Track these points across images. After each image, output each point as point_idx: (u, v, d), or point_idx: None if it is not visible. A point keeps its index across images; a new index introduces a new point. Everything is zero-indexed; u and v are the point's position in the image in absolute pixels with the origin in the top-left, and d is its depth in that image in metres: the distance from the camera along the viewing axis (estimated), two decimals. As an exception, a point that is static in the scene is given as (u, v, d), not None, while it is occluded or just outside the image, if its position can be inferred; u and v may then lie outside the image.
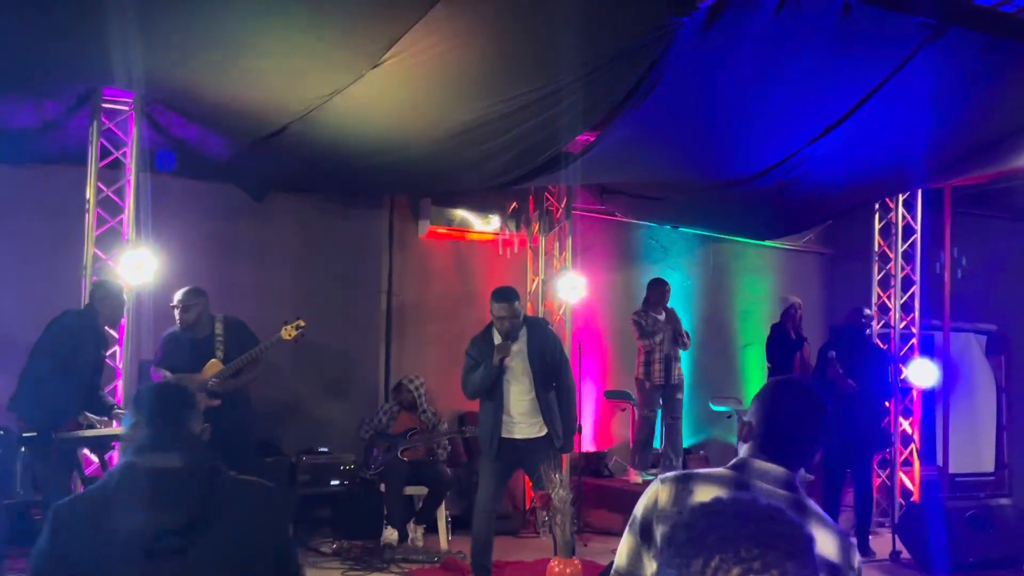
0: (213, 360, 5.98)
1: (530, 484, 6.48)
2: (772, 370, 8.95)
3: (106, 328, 5.93)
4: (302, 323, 6.17)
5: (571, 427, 5.81)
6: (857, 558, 2.06)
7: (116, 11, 4.67)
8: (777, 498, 2.03)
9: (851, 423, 7.36)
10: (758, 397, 2.24)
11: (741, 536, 1.36)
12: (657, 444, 8.28)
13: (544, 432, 5.62)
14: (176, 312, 6.08)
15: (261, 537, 2.11)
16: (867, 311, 8.08)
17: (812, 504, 2.09)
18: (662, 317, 8.07)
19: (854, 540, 2.14)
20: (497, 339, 5.65)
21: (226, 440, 5.97)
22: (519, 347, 5.63)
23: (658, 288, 8.21)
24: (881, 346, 8.63)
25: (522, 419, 5.62)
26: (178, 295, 6.10)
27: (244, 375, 6.04)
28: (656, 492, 2.08)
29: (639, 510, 2.10)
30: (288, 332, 6.14)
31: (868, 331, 8.11)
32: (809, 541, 1.93)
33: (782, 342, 8.73)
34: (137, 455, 2.14)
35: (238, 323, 6.21)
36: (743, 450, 2.18)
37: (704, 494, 2.02)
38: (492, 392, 5.63)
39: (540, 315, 8.46)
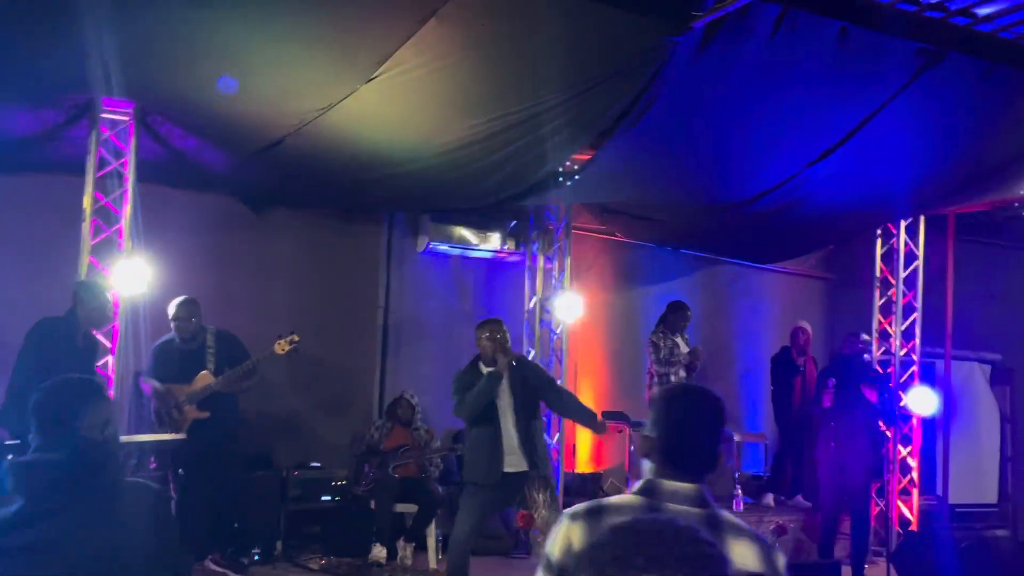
0: (204, 372, 5.98)
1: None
2: (774, 393, 8.89)
3: (95, 334, 5.89)
4: (296, 338, 6.17)
5: (592, 416, 5.78)
6: (782, 561, 2.01)
7: (115, 23, 4.70)
8: (692, 517, 1.97)
9: (849, 450, 7.30)
10: (653, 409, 2.16)
11: (671, 557, 1.32)
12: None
13: (525, 468, 5.60)
14: (175, 324, 6.08)
15: (129, 534, 2.16)
16: (864, 336, 8.02)
17: (726, 516, 2.05)
18: (680, 343, 7.90)
19: (776, 544, 2.08)
20: (485, 370, 5.61)
21: (215, 451, 6.00)
22: (503, 384, 5.59)
23: (679, 312, 8.00)
24: (880, 371, 8.56)
25: (511, 452, 5.58)
26: (176, 307, 6.12)
27: (238, 384, 6.04)
28: (567, 532, 2.00)
29: (554, 551, 2.01)
30: (281, 347, 6.13)
31: (866, 356, 8.03)
32: (724, 564, 1.89)
33: (784, 366, 8.70)
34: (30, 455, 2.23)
35: (229, 336, 6.22)
36: (647, 469, 2.11)
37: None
38: (488, 421, 5.56)
39: (536, 334, 8.45)
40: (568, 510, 2.04)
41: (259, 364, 6.08)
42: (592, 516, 1.98)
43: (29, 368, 5.36)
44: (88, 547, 2.10)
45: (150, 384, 6.09)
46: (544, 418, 6.16)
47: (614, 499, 2.05)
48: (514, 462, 5.57)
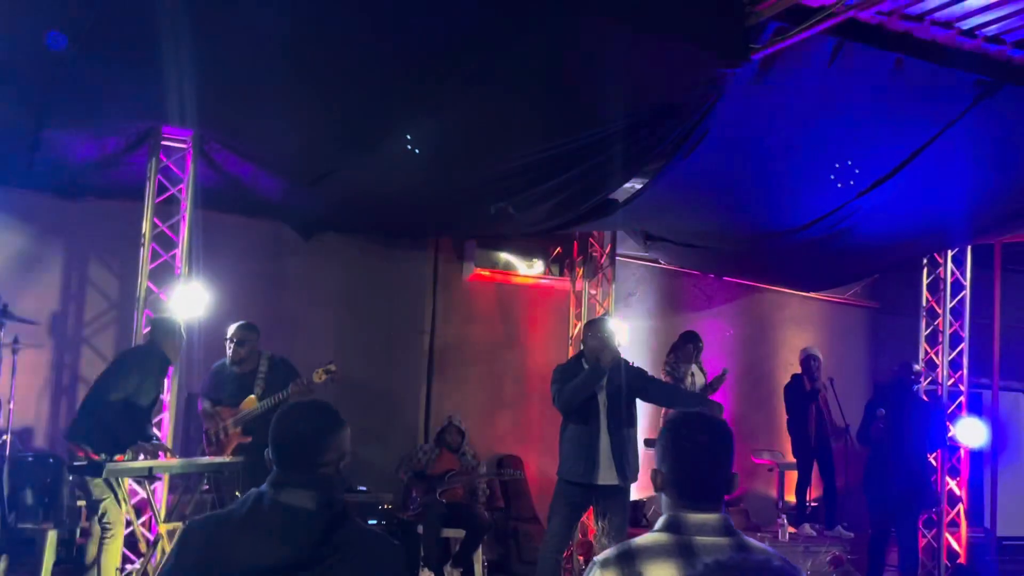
0: (250, 396, 6.06)
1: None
2: (789, 421, 8.80)
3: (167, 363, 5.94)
4: (333, 367, 6.15)
5: (699, 397, 5.80)
6: None
7: (177, 52, 4.82)
8: (725, 547, 1.98)
9: (897, 481, 7.24)
10: (661, 442, 2.14)
11: None
12: None
13: (616, 482, 5.53)
14: (230, 346, 6.18)
15: None
16: (916, 366, 7.96)
17: (753, 543, 2.05)
18: (692, 372, 7.86)
19: (796, 569, 2.11)
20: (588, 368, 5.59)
21: (260, 476, 6.00)
22: (602, 390, 5.56)
23: (690, 342, 7.98)
24: (927, 400, 8.48)
25: (604, 460, 5.52)
26: (232, 329, 6.22)
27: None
28: None
29: None
30: (319, 375, 6.10)
31: (916, 387, 7.97)
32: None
33: (798, 393, 8.64)
34: (272, 487, 2.09)
35: (283, 362, 6.29)
36: (664, 504, 2.10)
37: (655, 572, 1.94)
38: (586, 419, 5.51)
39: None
40: (598, 558, 2.03)
41: (298, 393, 5.95)
42: (624, 561, 1.97)
43: (111, 389, 5.45)
44: None
45: (202, 404, 6.21)
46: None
47: (640, 540, 2.02)
48: (605, 472, 5.50)
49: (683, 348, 8.02)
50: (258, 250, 7.73)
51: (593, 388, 5.50)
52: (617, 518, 5.18)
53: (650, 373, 6.05)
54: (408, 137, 5.59)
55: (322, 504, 2.04)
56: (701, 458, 2.08)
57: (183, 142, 6.46)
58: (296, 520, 2.02)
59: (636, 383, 5.67)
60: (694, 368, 7.95)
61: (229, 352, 6.20)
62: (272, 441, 2.16)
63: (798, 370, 8.87)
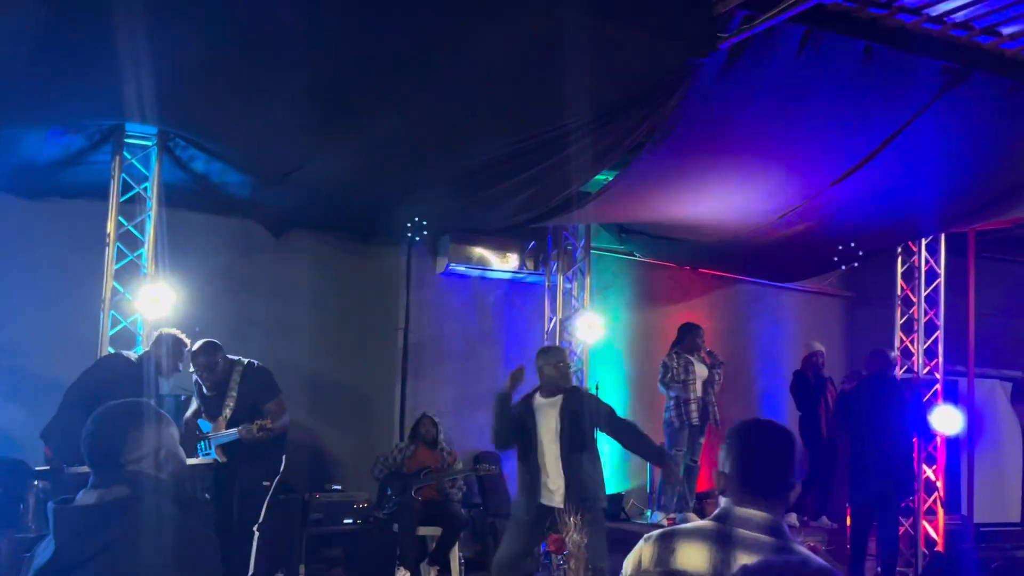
0: (221, 418, 5.79)
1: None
2: (802, 417, 8.81)
3: (157, 376, 5.69)
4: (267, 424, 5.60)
5: (658, 450, 5.64)
6: None
7: (136, 49, 4.74)
8: (765, 545, 2.07)
9: (878, 470, 7.26)
10: (726, 445, 2.26)
11: None
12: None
13: (567, 502, 5.29)
14: (200, 374, 5.77)
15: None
16: (892, 353, 7.97)
17: (796, 546, 2.11)
18: (695, 363, 7.81)
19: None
20: (540, 401, 5.47)
21: (239, 497, 5.78)
22: (552, 413, 5.43)
23: (692, 333, 7.93)
24: (904, 388, 8.49)
25: (551, 485, 5.40)
26: (199, 355, 5.75)
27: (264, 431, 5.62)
28: (640, 551, 2.18)
29: (627, 568, 2.19)
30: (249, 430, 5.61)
31: (892, 374, 7.97)
32: None
33: (805, 388, 8.65)
34: (84, 491, 2.10)
35: (256, 375, 5.87)
36: (723, 501, 2.22)
37: (688, 551, 2.09)
38: (525, 452, 5.43)
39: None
40: (648, 534, 2.21)
41: (244, 437, 5.59)
42: (663, 540, 2.16)
43: (82, 393, 5.33)
44: None
45: (189, 411, 6.07)
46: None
47: (687, 525, 2.20)
48: (552, 495, 5.37)
49: (685, 340, 7.98)
50: (227, 248, 7.63)
51: (506, 418, 5.35)
52: (569, 516, 5.11)
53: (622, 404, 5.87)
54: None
55: (110, 499, 2.05)
56: (760, 457, 2.20)
57: (147, 140, 6.37)
58: (73, 518, 2.04)
59: (599, 416, 5.49)
60: (694, 358, 7.89)
61: (198, 378, 5.82)
62: (82, 443, 2.17)
63: (797, 366, 8.89)
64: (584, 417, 5.43)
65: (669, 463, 5.61)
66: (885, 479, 7.24)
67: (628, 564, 2.18)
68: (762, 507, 2.12)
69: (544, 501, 5.36)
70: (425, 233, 7.21)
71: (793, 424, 9.00)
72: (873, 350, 7.90)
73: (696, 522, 2.20)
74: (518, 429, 5.44)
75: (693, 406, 7.75)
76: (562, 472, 5.35)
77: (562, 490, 5.33)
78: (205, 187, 6.93)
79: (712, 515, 2.19)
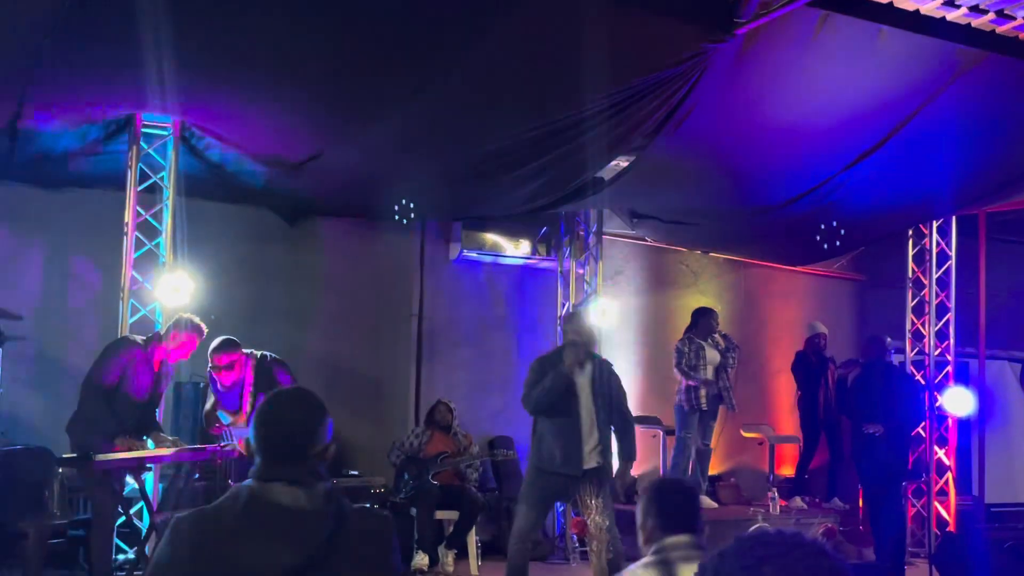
0: (242, 415, 5.85)
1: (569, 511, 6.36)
2: (801, 397, 8.88)
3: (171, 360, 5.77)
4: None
5: (631, 455, 5.76)
6: None
7: (155, 39, 4.76)
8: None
9: (882, 453, 7.31)
10: (644, 505, 2.86)
11: (801, 566, 1.31)
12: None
13: (598, 463, 5.54)
14: (218, 373, 5.80)
15: (374, 568, 2.03)
16: (888, 339, 7.98)
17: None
18: (707, 348, 7.80)
19: None
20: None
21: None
22: (585, 379, 5.55)
23: (706, 317, 7.94)
24: (910, 372, 8.52)
25: (590, 445, 5.52)
26: (216, 351, 5.78)
27: None
28: None
29: None
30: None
31: (890, 359, 7.97)
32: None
33: (806, 369, 8.71)
34: (258, 481, 2.00)
35: (268, 366, 5.93)
36: (654, 548, 2.77)
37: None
38: (566, 412, 5.51)
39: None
40: (633, 568, 2.75)
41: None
42: (663, 568, 2.73)
43: (94, 383, 5.38)
44: None
45: (209, 401, 6.09)
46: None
47: (676, 548, 2.74)
48: (582, 460, 5.50)
49: (699, 325, 7.98)
50: (242, 237, 7.68)
51: (558, 392, 5.47)
52: (590, 498, 5.21)
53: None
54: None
55: (320, 500, 1.98)
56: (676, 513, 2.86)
57: (164, 129, 6.40)
58: (301, 521, 1.95)
59: (617, 392, 5.67)
60: (708, 343, 7.88)
61: (216, 376, 5.85)
62: (257, 432, 2.06)
63: (799, 346, 8.94)
64: (610, 387, 5.62)
65: (628, 465, 5.75)
66: (891, 462, 7.30)
67: None
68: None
69: (585, 462, 5.48)
70: (412, 216, 7.15)
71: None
72: (870, 336, 7.95)
73: (677, 542, 2.71)
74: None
75: (703, 391, 7.76)
76: (596, 433, 5.50)
77: (595, 452, 5.48)
78: (220, 176, 6.96)
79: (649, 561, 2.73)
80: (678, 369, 7.86)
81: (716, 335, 7.94)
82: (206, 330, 5.79)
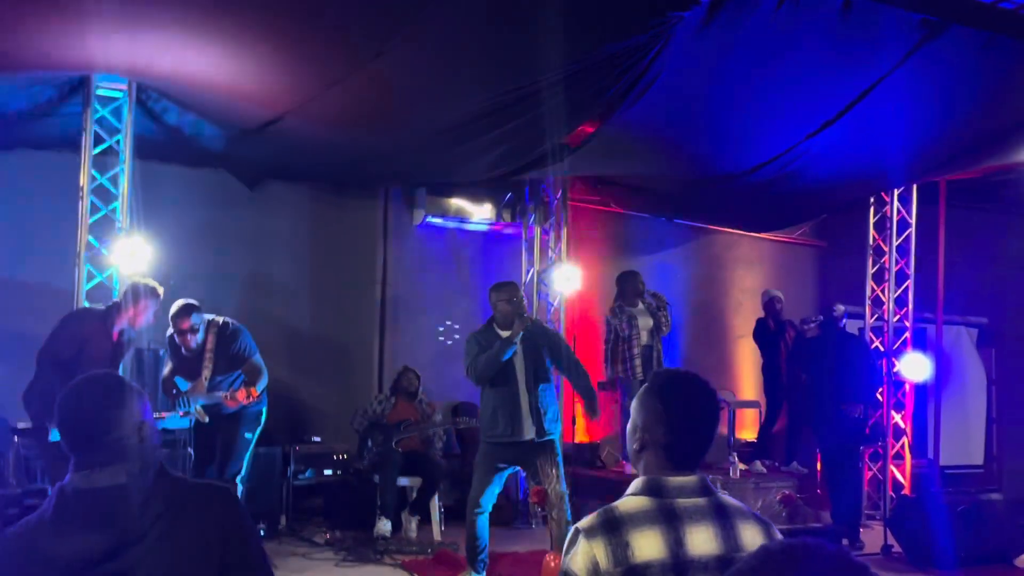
0: (201, 380, 5.80)
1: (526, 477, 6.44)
2: (764, 363, 8.99)
3: (130, 327, 5.68)
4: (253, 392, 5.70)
5: (593, 397, 5.81)
6: (779, 536, 2.03)
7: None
8: (701, 508, 2.00)
9: (835, 418, 7.44)
10: (647, 404, 2.08)
11: None
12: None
13: (539, 436, 5.60)
14: (182, 336, 5.75)
15: (208, 537, 1.96)
16: (838, 307, 8.04)
17: (729, 501, 2.05)
18: (637, 314, 7.75)
19: (769, 521, 2.11)
20: (503, 333, 5.61)
21: (221, 452, 5.84)
22: (517, 347, 5.60)
23: (629, 281, 7.85)
24: (857, 338, 8.59)
25: (526, 418, 5.60)
26: (180, 316, 5.75)
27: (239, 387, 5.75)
28: (589, 550, 1.94)
29: (580, 571, 1.94)
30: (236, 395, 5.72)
31: (842, 325, 8.04)
32: None
33: (765, 334, 8.85)
34: (73, 474, 1.97)
35: (230, 334, 5.89)
36: (645, 465, 2.06)
37: (642, 540, 1.92)
38: (506, 381, 5.57)
39: (534, 306, 8.48)
40: (580, 525, 1.98)
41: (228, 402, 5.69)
42: (610, 530, 1.95)
43: (51, 352, 5.29)
44: (172, 558, 1.91)
45: (165, 369, 6.03)
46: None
47: (623, 507, 1.99)
48: (526, 427, 5.59)
49: (626, 290, 7.92)
50: (202, 201, 7.56)
51: (500, 361, 5.51)
52: (550, 467, 5.28)
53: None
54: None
55: (132, 475, 1.95)
56: (697, 424, 2.05)
57: (119, 91, 6.24)
58: (108, 500, 1.93)
59: (551, 346, 5.73)
60: (637, 310, 7.84)
61: (178, 340, 5.80)
62: (58, 426, 2.03)
63: (760, 313, 9.02)
64: (543, 349, 5.65)
65: (594, 403, 5.82)
66: (842, 427, 7.42)
67: (577, 566, 1.94)
68: (690, 470, 2.04)
69: (523, 431, 5.55)
70: (376, 182, 7.06)
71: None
72: (824, 307, 8.08)
73: (630, 501, 1.99)
74: None
75: (637, 361, 7.71)
76: (529, 404, 5.57)
77: (528, 422, 5.55)
78: (178, 139, 6.83)
79: (640, 489, 2.02)
80: (609, 343, 7.80)
81: (645, 296, 7.88)
82: (161, 290, 5.72)
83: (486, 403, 5.71)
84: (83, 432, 2.00)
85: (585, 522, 1.99)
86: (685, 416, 2.05)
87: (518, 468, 5.88)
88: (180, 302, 5.81)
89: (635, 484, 2.06)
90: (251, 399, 5.67)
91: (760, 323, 9.00)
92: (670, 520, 1.96)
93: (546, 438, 5.59)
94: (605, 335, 8.01)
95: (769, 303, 8.89)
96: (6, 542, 1.97)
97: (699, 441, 2.07)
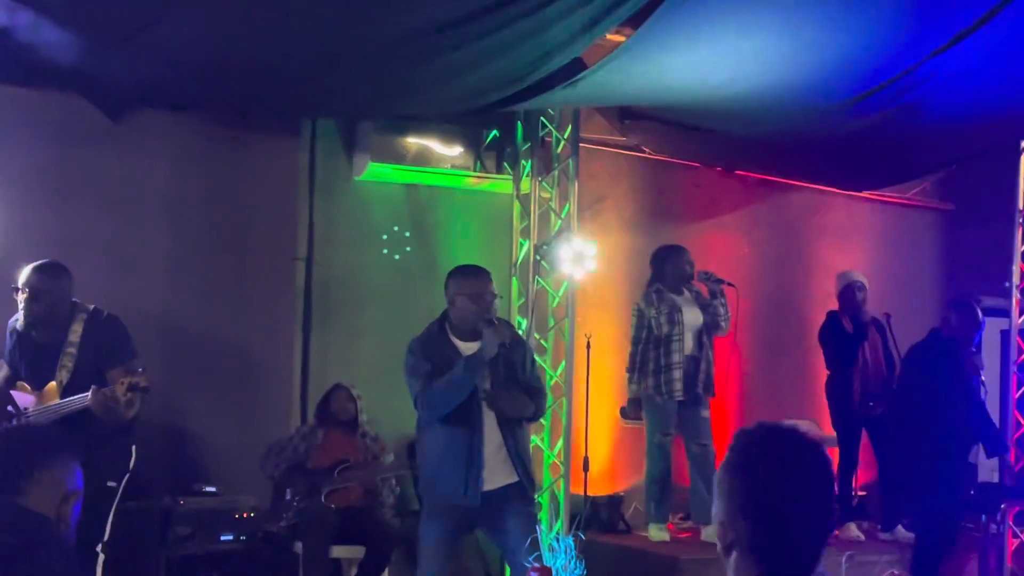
0: (52, 384, 5.88)
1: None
2: (830, 379, 9.00)
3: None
4: (142, 380, 5.73)
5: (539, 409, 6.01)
6: None
7: None
8: None
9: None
10: (734, 479, 2.05)
11: None
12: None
13: (514, 478, 5.71)
14: (22, 299, 5.88)
15: None
16: (980, 309, 8.14)
17: None
18: (683, 304, 7.91)
19: None
20: (462, 345, 5.69)
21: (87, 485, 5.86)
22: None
23: (673, 260, 8.00)
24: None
25: (493, 460, 5.69)
26: (25, 274, 5.89)
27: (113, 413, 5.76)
28: None
29: None
30: (120, 389, 5.70)
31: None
32: None
33: (838, 336, 8.80)
34: None
35: (106, 326, 6.01)
36: (731, 568, 2.05)
37: None
38: (463, 417, 5.63)
39: (530, 296, 8.51)
40: None
41: (96, 404, 5.68)
42: None
43: None
44: None
45: (2, 369, 6.09)
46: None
47: None
48: (497, 475, 5.67)
49: (666, 272, 7.99)
50: (45, 136, 7.56)
51: (472, 386, 5.59)
52: (520, 530, 5.42)
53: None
54: None
55: None
56: (806, 513, 2.01)
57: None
58: None
59: (522, 367, 5.87)
60: (682, 299, 7.88)
61: (20, 308, 5.93)
62: None
63: (834, 305, 9.05)
64: (518, 366, 5.79)
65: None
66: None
67: None
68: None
69: (487, 484, 5.65)
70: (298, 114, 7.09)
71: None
72: (955, 298, 8.12)
73: None
74: None
75: (677, 374, 7.78)
76: (504, 442, 5.68)
77: (502, 467, 5.68)
78: (10, 48, 6.79)
79: None
80: (634, 342, 8.00)
81: (695, 282, 7.93)
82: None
83: (428, 447, 5.80)
84: None
85: None
86: (785, 503, 1.99)
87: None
88: (41, 260, 5.96)
89: None
90: (135, 390, 5.69)
91: (832, 319, 8.95)
92: None
93: (517, 482, 5.70)
94: (634, 334, 8.01)
95: (846, 291, 8.86)
96: None
97: (809, 541, 2.03)
